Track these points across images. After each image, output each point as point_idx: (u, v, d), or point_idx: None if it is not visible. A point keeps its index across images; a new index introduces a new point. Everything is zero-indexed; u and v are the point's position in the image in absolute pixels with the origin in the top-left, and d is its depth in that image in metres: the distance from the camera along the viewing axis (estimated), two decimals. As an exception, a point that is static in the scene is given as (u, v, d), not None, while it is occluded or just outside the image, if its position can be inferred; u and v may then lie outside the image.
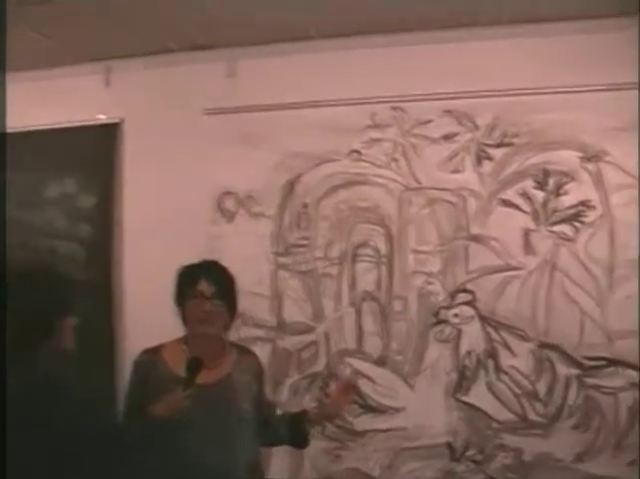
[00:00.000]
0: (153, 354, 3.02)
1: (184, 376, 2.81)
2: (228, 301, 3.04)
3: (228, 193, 4.28)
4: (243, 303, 3.85)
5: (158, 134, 4.43)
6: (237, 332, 4.01)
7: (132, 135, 4.51)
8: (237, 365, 3.08)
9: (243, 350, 3.20)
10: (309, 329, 4.11)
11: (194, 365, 2.83)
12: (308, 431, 3.15)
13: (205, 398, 2.81)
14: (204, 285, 2.97)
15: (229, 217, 4.26)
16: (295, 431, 3.14)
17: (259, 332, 4.16)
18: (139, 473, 2.59)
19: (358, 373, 4.04)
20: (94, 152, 4.56)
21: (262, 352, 3.94)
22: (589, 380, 3.82)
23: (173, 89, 4.43)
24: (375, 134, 4.12)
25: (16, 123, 4.58)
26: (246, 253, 4.18)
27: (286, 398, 4.08)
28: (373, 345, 4.04)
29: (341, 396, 3.17)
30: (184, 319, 3.02)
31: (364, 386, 4.03)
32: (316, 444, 3.90)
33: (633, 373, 3.77)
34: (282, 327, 4.15)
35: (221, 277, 3.05)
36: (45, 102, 4.60)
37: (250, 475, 3.00)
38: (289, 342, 4.11)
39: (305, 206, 4.17)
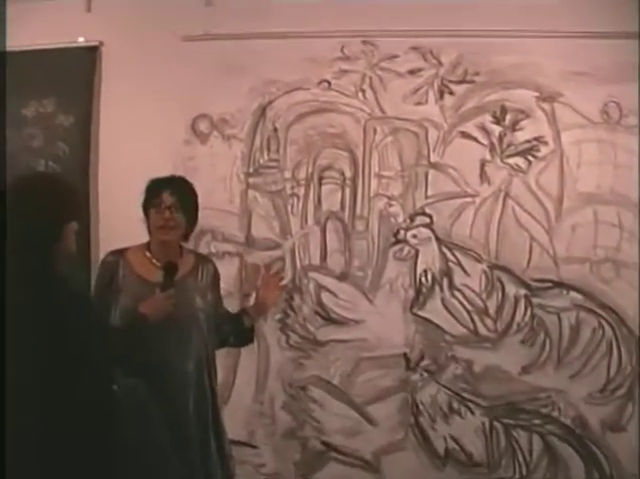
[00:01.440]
0: (118, 256, 2.95)
1: (162, 278, 2.77)
2: (188, 213, 2.94)
3: (203, 115, 3.92)
4: (214, 220, 3.65)
5: (136, 58, 4.01)
6: (208, 247, 3.83)
7: (111, 58, 4.08)
8: (194, 271, 2.98)
9: (201, 258, 3.11)
10: (276, 246, 3.83)
11: (171, 268, 2.79)
12: (249, 326, 3.09)
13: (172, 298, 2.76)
14: (166, 196, 2.89)
15: (203, 138, 3.91)
16: (237, 328, 3.07)
17: (229, 247, 3.86)
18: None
19: (321, 287, 3.79)
20: (73, 73, 4.09)
21: (231, 266, 3.80)
22: (536, 300, 3.68)
23: (153, 15, 4.01)
24: (345, 65, 3.83)
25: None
26: (218, 173, 3.90)
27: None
28: (336, 262, 3.80)
29: (268, 288, 3.12)
30: (149, 227, 2.95)
31: (327, 300, 3.81)
32: (282, 353, 3.78)
33: (576, 295, 3.65)
34: (251, 243, 3.85)
35: (183, 191, 2.96)
36: (26, 23, 4.13)
37: (201, 375, 2.93)
38: (257, 257, 3.82)
39: (275, 130, 3.86)
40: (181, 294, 2.82)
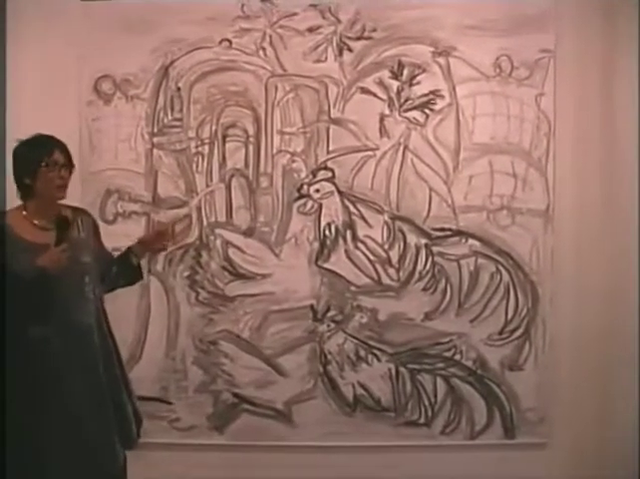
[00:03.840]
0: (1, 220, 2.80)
1: (55, 234, 2.73)
2: (70, 172, 2.88)
3: (106, 76, 3.74)
4: (120, 180, 3.53)
5: (37, 18, 3.79)
6: (115, 207, 3.70)
7: (12, 19, 3.82)
8: (74, 225, 2.88)
9: (77, 211, 2.98)
10: (182, 204, 3.70)
11: (63, 224, 2.76)
12: (136, 264, 3.07)
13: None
14: (58, 155, 2.81)
15: (106, 99, 3.73)
16: (125, 267, 3.05)
17: (135, 207, 3.72)
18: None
19: (228, 243, 3.69)
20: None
21: (138, 225, 3.68)
22: (436, 248, 3.66)
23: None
24: (245, 24, 3.69)
25: None
26: (123, 134, 3.74)
27: (161, 267, 3.69)
28: (241, 218, 3.70)
29: (158, 237, 3.11)
30: (28, 190, 2.81)
31: (234, 256, 3.71)
32: (191, 309, 3.68)
33: (474, 242, 3.65)
34: (157, 202, 3.71)
35: (66, 149, 2.88)
36: None
37: (101, 325, 2.90)
38: (164, 216, 3.68)
39: (179, 89, 3.71)
40: (69, 249, 2.76)
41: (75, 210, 2.98)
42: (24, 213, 2.81)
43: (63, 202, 2.87)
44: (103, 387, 2.83)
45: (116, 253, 3.09)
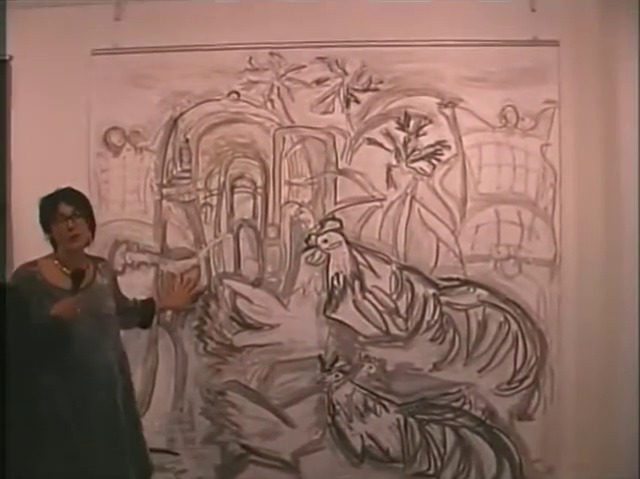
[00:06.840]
0: (30, 268, 3.00)
1: (71, 285, 2.93)
2: (87, 218, 3.07)
3: (115, 128, 3.71)
4: (128, 231, 3.50)
5: (46, 72, 3.78)
6: (123, 258, 3.65)
7: (21, 72, 3.82)
8: (95, 272, 3.11)
9: (95, 259, 3.20)
10: (191, 254, 3.65)
11: (78, 274, 2.96)
12: (153, 315, 3.45)
13: (81, 301, 2.92)
14: (64, 207, 2.99)
15: (115, 151, 3.70)
16: (144, 314, 3.42)
17: (144, 258, 3.66)
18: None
19: (236, 294, 3.63)
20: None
21: (147, 276, 3.64)
22: (444, 298, 3.58)
23: (63, 30, 3.78)
24: (253, 76, 3.67)
25: None
26: (132, 185, 3.70)
27: (169, 317, 3.63)
28: (249, 268, 3.63)
29: (182, 292, 3.51)
30: (54, 241, 3.06)
31: (242, 306, 3.65)
32: (198, 360, 3.62)
33: (482, 292, 3.57)
34: (166, 253, 3.66)
35: (76, 198, 3.05)
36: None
37: (123, 368, 3.13)
38: (173, 267, 3.64)
39: (187, 141, 3.68)
40: (95, 294, 3.04)
41: (93, 258, 3.18)
42: (56, 262, 3.02)
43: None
44: (121, 428, 3.01)
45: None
